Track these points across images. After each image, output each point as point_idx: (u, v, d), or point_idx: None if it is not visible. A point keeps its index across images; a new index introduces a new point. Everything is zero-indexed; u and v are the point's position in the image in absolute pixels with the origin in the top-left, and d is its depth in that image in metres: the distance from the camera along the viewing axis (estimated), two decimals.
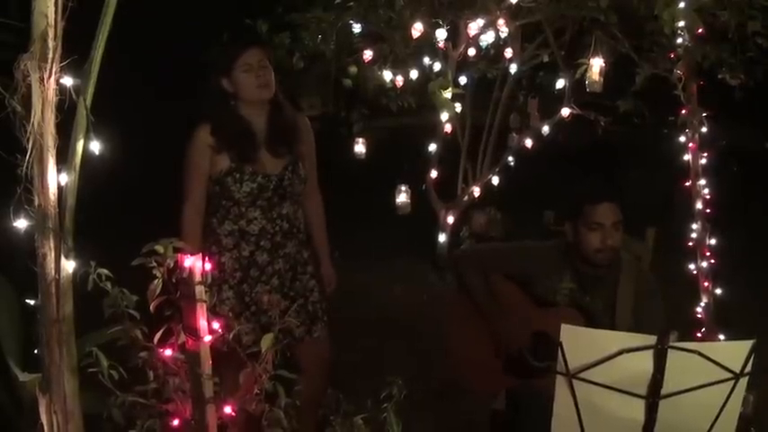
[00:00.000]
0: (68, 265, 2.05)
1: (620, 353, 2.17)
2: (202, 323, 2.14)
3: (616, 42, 5.77)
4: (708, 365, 2.15)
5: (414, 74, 6.10)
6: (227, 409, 2.27)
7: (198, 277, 2.11)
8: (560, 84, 6.65)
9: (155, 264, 2.17)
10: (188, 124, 3.41)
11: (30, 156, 1.96)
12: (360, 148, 7.38)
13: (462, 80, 6.65)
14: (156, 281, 2.18)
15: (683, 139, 4.78)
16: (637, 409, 2.23)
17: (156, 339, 2.27)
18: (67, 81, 1.99)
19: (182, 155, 3.39)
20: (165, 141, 3.68)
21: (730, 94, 5.65)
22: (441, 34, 5.49)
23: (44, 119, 1.95)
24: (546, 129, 6.84)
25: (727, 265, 4.93)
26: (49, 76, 1.94)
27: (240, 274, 3.40)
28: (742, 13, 4.80)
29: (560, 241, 3.29)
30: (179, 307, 2.19)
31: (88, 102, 2.04)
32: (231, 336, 2.37)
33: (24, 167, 1.96)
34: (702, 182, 4.77)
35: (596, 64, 5.61)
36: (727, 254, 4.92)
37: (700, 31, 4.40)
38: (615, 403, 2.23)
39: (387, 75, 6.13)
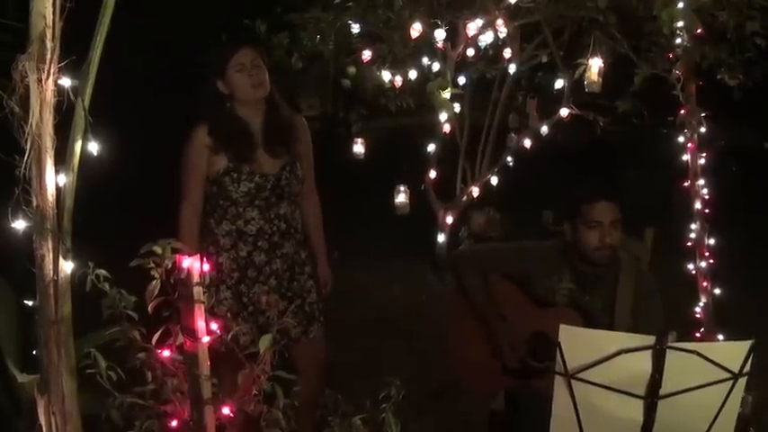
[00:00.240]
0: (67, 266, 2.04)
1: (618, 353, 2.16)
2: (200, 324, 2.13)
3: (615, 43, 5.77)
4: (706, 366, 2.15)
5: (412, 74, 6.10)
6: (226, 410, 2.26)
7: (196, 278, 2.11)
8: (559, 84, 6.66)
9: (153, 265, 2.17)
10: (186, 125, 3.41)
11: (28, 157, 1.96)
12: (358, 148, 7.39)
13: (461, 80, 6.66)
14: (154, 282, 2.18)
15: (681, 139, 4.79)
16: (635, 410, 2.23)
17: (154, 340, 2.27)
18: (65, 82, 1.99)
19: (179, 155, 3.40)
20: (163, 142, 3.68)
21: (729, 95, 5.66)
22: (439, 34, 5.48)
23: (42, 120, 1.95)
24: (545, 129, 6.84)
25: (726, 265, 4.93)
26: (47, 77, 1.94)
27: (238, 274, 3.40)
28: (740, 14, 4.80)
29: (559, 241, 3.29)
30: (177, 308, 2.18)
31: (86, 103, 2.04)
32: (229, 336, 2.37)
33: (22, 168, 1.96)
34: (701, 182, 4.77)
35: (595, 64, 5.61)
36: (725, 254, 4.92)
37: (698, 31, 4.40)
38: (614, 403, 2.23)
39: (385, 75, 6.14)
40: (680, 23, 4.33)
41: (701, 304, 4.71)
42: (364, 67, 6.30)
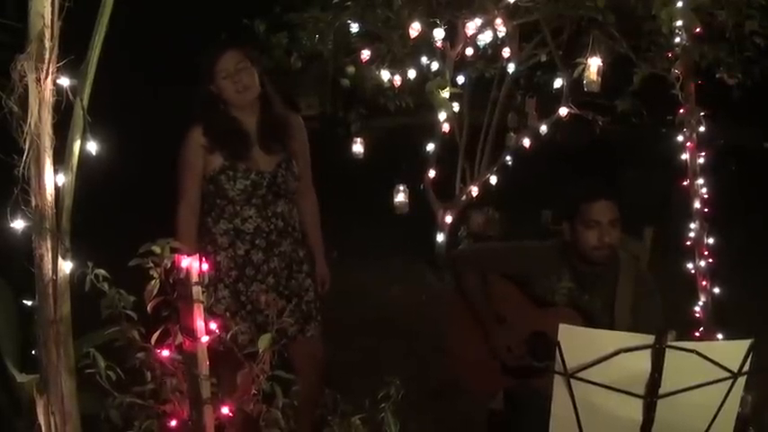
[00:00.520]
0: (65, 266, 2.04)
1: (617, 352, 2.16)
2: (199, 324, 2.13)
3: (614, 42, 5.77)
4: (706, 365, 2.15)
5: (411, 73, 6.11)
6: (225, 410, 2.26)
7: (195, 278, 2.11)
8: (558, 83, 6.65)
9: (152, 264, 2.17)
10: (183, 125, 3.42)
11: (27, 156, 1.96)
12: (358, 147, 7.40)
13: (460, 80, 6.66)
14: (153, 281, 2.18)
15: (680, 138, 4.78)
16: (635, 409, 2.23)
17: (153, 340, 2.27)
18: (64, 81, 1.99)
19: (177, 155, 3.41)
20: (163, 142, 3.68)
21: (728, 94, 5.66)
22: (438, 34, 5.49)
23: (41, 119, 1.95)
24: (544, 128, 6.83)
25: (726, 264, 4.93)
26: (46, 77, 1.94)
27: (236, 272, 3.40)
28: (740, 13, 4.81)
29: (558, 241, 3.29)
30: (176, 308, 2.19)
31: (85, 102, 2.04)
32: (228, 336, 2.37)
33: (21, 168, 1.96)
34: (700, 181, 4.77)
35: (594, 63, 5.60)
36: (725, 253, 4.93)
37: (697, 30, 4.40)
38: (613, 403, 2.23)
39: (384, 74, 6.14)
40: (679, 23, 4.33)
41: (701, 303, 4.71)
42: (363, 67, 6.30)
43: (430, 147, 6.57)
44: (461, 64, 6.46)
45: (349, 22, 6.09)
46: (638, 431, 2.23)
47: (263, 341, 2.39)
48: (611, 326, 3.12)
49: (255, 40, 6.32)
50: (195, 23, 8.53)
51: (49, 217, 2.00)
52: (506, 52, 6.42)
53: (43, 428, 2.10)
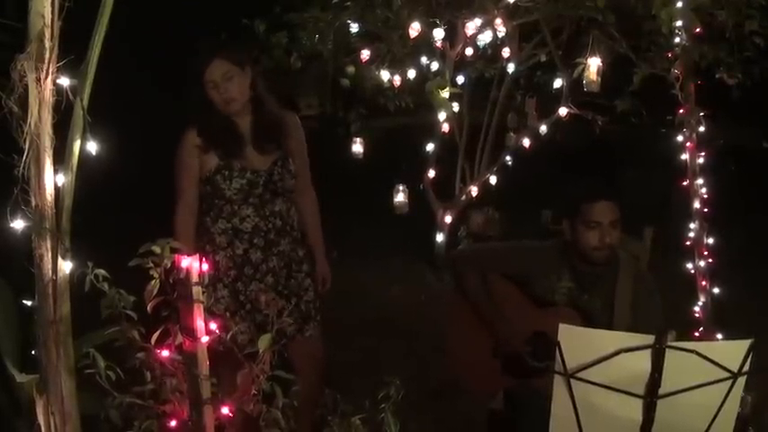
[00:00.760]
0: (65, 266, 2.04)
1: (617, 352, 2.16)
2: (199, 324, 2.13)
3: (614, 42, 5.77)
4: (706, 365, 2.15)
5: (411, 73, 6.11)
6: (225, 410, 2.26)
7: (195, 278, 2.11)
8: (558, 83, 6.65)
9: (152, 264, 2.17)
10: (182, 126, 3.42)
11: (27, 156, 1.96)
12: (357, 147, 7.40)
13: (460, 80, 6.66)
14: (153, 281, 2.18)
15: (680, 138, 4.79)
16: (635, 409, 2.23)
17: (153, 340, 2.27)
18: (64, 81, 1.99)
19: (175, 156, 3.41)
20: (162, 141, 3.68)
21: (728, 94, 5.66)
22: (438, 34, 5.49)
23: (41, 119, 1.95)
24: (544, 128, 6.83)
25: (725, 264, 4.93)
26: (46, 77, 1.94)
27: (234, 272, 3.40)
28: (739, 13, 4.81)
29: (558, 240, 3.29)
30: (176, 308, 2.18)
31: (85, 102, 2.04)
32: (228, 336, 2.37)
33: (21, 168, 1.96)
34: (700, 181, 4.77)
35: (594, 63, 5.60)
36: (724, 253, 4.93)
37: (697, 30, 4.41)
38: (613, 403, 2.23)
39: (384, 74, 6.14)
40: (679, 23, 4.34)
41: (700, 303, 4.71)
42: (363, 67, 6.30)
43: (430, 147, 6.56)
44: (461, 64, 6.46)
45: (349, 22, 6.09)
46: (638, 431, 2.23)
47: (263, 341, 2.38)
48: (610, 326, 3.13)
49: (255, 39, 6.32)
50: (195, 23, 8.52)
51: (48, 217, 2.00)
52: (506, 52, 6.42)
53: (43, 428, 2.10)
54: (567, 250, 3.25)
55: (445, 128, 6.36)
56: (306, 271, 3.55)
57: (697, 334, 4.55)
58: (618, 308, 3.20)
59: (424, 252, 6.88)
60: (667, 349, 2.14)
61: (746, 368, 2.17)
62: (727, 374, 2.17)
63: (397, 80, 6.16)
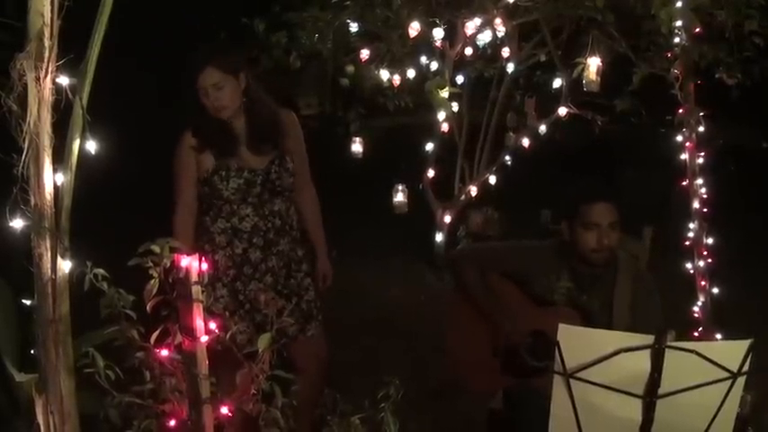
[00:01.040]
0: (65, 265, 2.04)
1: (617, 352, 2.16)
2: (199, 323, 2.13)
3: (613, 42, 5.77)
4: (705, 365, 2.15)
5: (411, 73, 6.11)
6: (224, 410, 2.26)
7: (194, 277, 2.11)
8: (557, 83, 6.65)
9: (151, 264, 2.17)
10: (181, 126, 3.43)
11: (26, 155, 1.95)
12: (357, 147, 7.40)
13: (459, 79, 6.65)
14: (152, 281, 2.18)
15: (680, 138, 4.78)
16: (634, 409, 2.23)
17: (152, 340, 2.27)
18: (64, 80, 1.98)
19: (172, 158, 3.42)
20: (162, 141, 3.68)
21: (727, 94, 5.66)
22: (438, 33, 5.49)
23: (40, 118, 1.95)
24: (543, 128, 6.83)
25: (725, 264, 4.93)
26: (46, 76, 1.93)
27: (234, 271, 3.40)
28: (739, 13, 4.80)
29: (557, 240, 3.29)
30: (175, 307, 2.18)
31: (84, 101, 2.03)
32: (228, 336, 2.36)
33: (20, 167, 1.95)
34: (700, 181, 4.77)
35: (593, 63, 5.61)
36: (724, 253, 4.92)
37: (697, 30, 4.41)
38: (613, 403, 2.23)
39: (384, 74, 6.14)
40: (678, 22, 4.34)
41: (700, 303, 4.71)
42: (362, 67, 6.30)
43: (429, 146, 6.56)
44: (461, 64, 6.46)
45: (348, 21, 6.09)
46: (638, 431, 2.24)
47: (263, 341, 2.38)
48: (609, 326, 3.12)
49: (255, 39, 6.32)
50: (195, 23, 8.52)
51: (48, 216, 1.99)
52: (506, 52, 6.43)
53: (42, 428, 2.09)
54: (565, 250, 3.24)
55: (444, 127, 6.36)
56: (305, 270, 3.55)
57: (696, 334, 4.55)
58: (617, 308, 3.19)
59: (424, 252, 6.88)
60: (667, 349, 2.14)
61: (746, 368, 2.18)
62: (726, 374, 2.17)
63: (397, 80, 6.16)
